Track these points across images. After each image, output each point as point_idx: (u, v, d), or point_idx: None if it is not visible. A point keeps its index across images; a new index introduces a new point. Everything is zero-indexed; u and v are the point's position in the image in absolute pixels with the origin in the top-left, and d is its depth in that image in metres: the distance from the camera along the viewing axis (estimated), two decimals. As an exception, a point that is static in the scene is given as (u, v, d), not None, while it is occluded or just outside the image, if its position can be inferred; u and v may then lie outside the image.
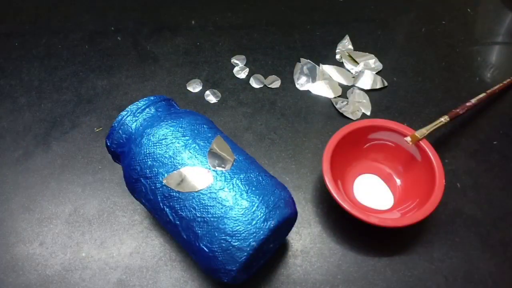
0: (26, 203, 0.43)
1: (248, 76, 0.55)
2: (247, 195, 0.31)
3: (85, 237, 0.41)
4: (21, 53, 0.58)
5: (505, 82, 0.54)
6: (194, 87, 0.54)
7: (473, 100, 0.48)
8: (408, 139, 0.41)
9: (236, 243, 0.29)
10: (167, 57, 0.58)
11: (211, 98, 0.53)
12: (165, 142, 0.33)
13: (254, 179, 0.32)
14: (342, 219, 0.42)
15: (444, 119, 0.44)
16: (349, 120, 0.51)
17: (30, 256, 0.40)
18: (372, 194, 0.43)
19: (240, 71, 0.56)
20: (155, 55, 0.58)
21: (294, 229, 0.41)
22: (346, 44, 0.60)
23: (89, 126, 0.50)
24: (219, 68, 0.56)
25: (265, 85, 0.54)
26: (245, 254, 0.29)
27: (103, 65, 0.57)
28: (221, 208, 0.30)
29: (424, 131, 0.42)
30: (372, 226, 0.37)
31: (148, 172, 0.32)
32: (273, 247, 0.37)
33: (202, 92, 0.54)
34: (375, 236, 0.41)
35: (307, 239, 0.41)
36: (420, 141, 0.41)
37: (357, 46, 0.60)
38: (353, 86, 0.55)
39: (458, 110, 0.46)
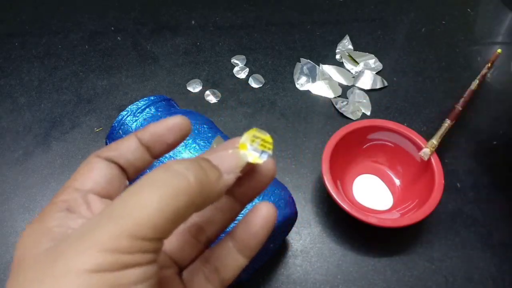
0: (26, 203, 0.43)
1: (248, 76, 0.55)
2: None
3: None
4: (21, 53, 0.58)
5: (491, 58, 0.55)
6: (194, 87, 0.54)
7: (471, 87, 0.49)
8: (426, 153, 0.40)
9: None
10: (167, 57, 0.58)
11: (211, 98, 0.53)
12: None
13: None
14: (342, 219, 0.42)
15: (447, 123, 0.44)
16: (349, 120, 0.51)
17: (30, 256, 0.40)
18: (372, 194, 0.43)
19: (240, 71, 0.56)
20: (155, 55, 0.58)
21: (294, 229, 0.41)
22: (346, 44, 0.60)
23: (89, 126, 0.50)
24: (219, 68, 0.56)
25: (264, 85, 0.54)
26: None
27: (103, 65, 0.57)
28: None
29: (435, 142, 0.41)
30: (371, 226, 0.37)
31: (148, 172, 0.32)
32: (273, 247, 0.37)
33: (202, 92, 0.54)
34: (374, 236, 0.41)
35: (307, 239, 0.41)
36: (420, 141, 0.41)
37: (357, 46, 0.60)
38: (353, 86, 0.55)
39: (458, 107, 0.46)
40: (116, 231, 0.14)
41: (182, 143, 0.33)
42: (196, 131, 0.34)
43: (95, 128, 0.50)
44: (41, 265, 0.15)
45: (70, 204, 0.18)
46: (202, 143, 0.33)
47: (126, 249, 0.14)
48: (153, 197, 0.15)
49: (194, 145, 0.33)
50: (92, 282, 0.14)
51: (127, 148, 0.21)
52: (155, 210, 0.15)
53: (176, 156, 0.32)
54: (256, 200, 0.31)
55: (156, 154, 0.22)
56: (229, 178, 0.19)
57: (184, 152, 0.32)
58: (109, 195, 0.19)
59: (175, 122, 0.22)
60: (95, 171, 0.19)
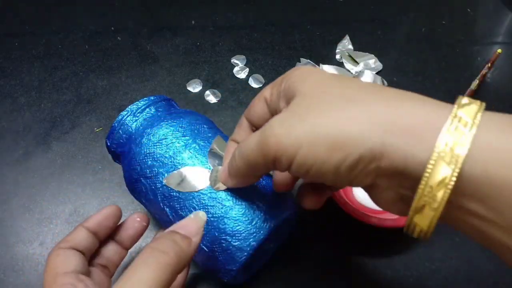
0: (26, 203, 0.43)
1: (248, 76, 0.55)
2: (247, 195, 0.31)
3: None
4: (21, 53, 0.58)
5: (491, 58, 0.55)
6: (194, 87, 0.54)
7: (472, 87, 0.49)
8: None
9: (236, 243, 0.29)
10: (167, 57, 0.58)
11: (211, 98, 0.53)
12: (165, 142, 0.33)
13: None
14: (342, 220, 0.42)
15: None
16: (349, 120, 0.51)
17: (30, 256, 0.40)
18: (372, 194, 0.43)
19: (240, 71, 0.56)
20: (155, 55, 0.58)
21: (294, 229, 0.41)
22: (346, 44, 0.60)
23: (89, 126, 0.50)
24: (219, 68, 0.56)
25: (264, 85, 0.54)
26: (245, 254, 0.29)
27: (103, 65, 0.57)
28: (221, 208, 0.30)
29: None
30: (371, 226, 0.37)
31: (148, 172, 0.33)
32: (273, 247, 0.37)
33: (202, 92, 0.54)
34: (375, 236, 0.41)
35: (307, 239, 0.41)
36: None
37: (357, 46, 0.60)
38: (353, 86, 0.55)
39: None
40: None
41: (182, 143, 0.33)
42: (196, 131, 0.34)
43: (95, 128, 0.50)
44: None
45: (74, 284, 0.26)
46: (202, 143, 0.33)
47: None
48: (150, 274, 0.22)
49: (194, 145, 0.33)
50: None
51: (80, 237, 0.29)
52: (155, 283, 0.22)
53: (177, 155, 0.32)
54: (256, 201, 0.31)
55: (102, 238, 0.31)
56: (196, 239, 0.26)
57: (184, 152, 0.32)
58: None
59: (110, 210, 0.32)
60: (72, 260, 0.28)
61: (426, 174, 0.18)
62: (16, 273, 0.39)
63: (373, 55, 0.58)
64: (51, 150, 0.48)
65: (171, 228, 0.26)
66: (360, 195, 0.43)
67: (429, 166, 0.18)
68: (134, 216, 0.34)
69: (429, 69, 0.57)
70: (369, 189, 0.23)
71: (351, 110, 0.21)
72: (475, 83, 0.51)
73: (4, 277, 0.38)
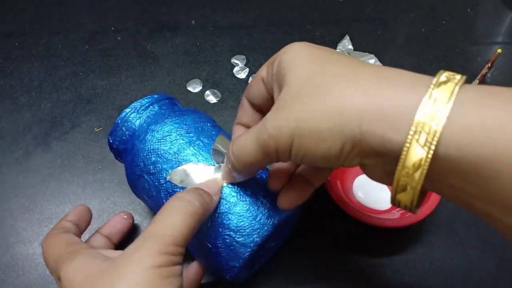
0: (26, 203, 0.43)
1: (248, 76, 0.55)
2: (251, 191, 0.31)
3: (85, 237, 0.41)
4: (21, 53, 0.58)
5: (491, 58, 0.55)
6: (194, 87, 0.54)
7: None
8: None
9: (240, 239, 0.29)
10: (167, 57, 0.58)
11: (211, 98, 0.53)
12: (169, 138, 0.33)
13: (258, 176, 0.32)
14: (342, 219, 0.42)
15: None
16: (349, 120, 0.51)
17: (30, 256, 0.40)
18: (372, 194, 0.43)
19: (240, 71, 0.56)
20: (155, 55, 0.58)
21: (296, 227, 0.41)
22: (346, 44, 0.60)
23: (89, 126, 0.50)
24: (219, 68, 0.56)
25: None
26: (249, 250, 0.30)
27: (103, 65, 0.57)
28: (226, 204, 0.30)
29: None
30: (371, 226, 0.37)
31: (152, 168, 0.33)
32: (274, 246, 0.37)
33: (202, 92, 0.54)
34: (374, 236, 0.41)
35: (307, 239, 0.41)
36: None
37: (357, 46, 0.60)
38: (353, 86, 0.55)
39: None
40: (165, 242, 0.23)
41: (187, 140, 0.33)
42: (200, 128, 0.34)
43: (95, 128, 0.50)
44: (108, 273, 0.23)
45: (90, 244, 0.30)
46: (206, 140, 0.33)
47: (172, 252, 0.23)
48: (180, 219, 0.25)
49: (198, 142, 0.33)
50: (157, 273, 0.22)
51: (68, 226, 0.32)
52: (184, 227, 0.24)
53: (181, 152, 0.32)
54: (260, 197, 0.31)
55: (83, 229, 0.34)
56: (216, 198, 0.29)
57: (188, 149, 0.32)
58: None
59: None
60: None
61: (402, 157, 0.20)
62: (16, 273, 0.39)
63: (373, 55, 0.58)
64: (51, 150, 0.48)
65: (196, 186, 0.29)
66: (360, 195, 0.43)
67: (404, 149, 0.19)
68: (121, 214, 0.38)
69: (429, 69, 0.57)
70: (360, 167, 0.24)
71: (329, 101, 0.22)
72: (475, 83, 0.51)
73: (4, 277, 0.38)
